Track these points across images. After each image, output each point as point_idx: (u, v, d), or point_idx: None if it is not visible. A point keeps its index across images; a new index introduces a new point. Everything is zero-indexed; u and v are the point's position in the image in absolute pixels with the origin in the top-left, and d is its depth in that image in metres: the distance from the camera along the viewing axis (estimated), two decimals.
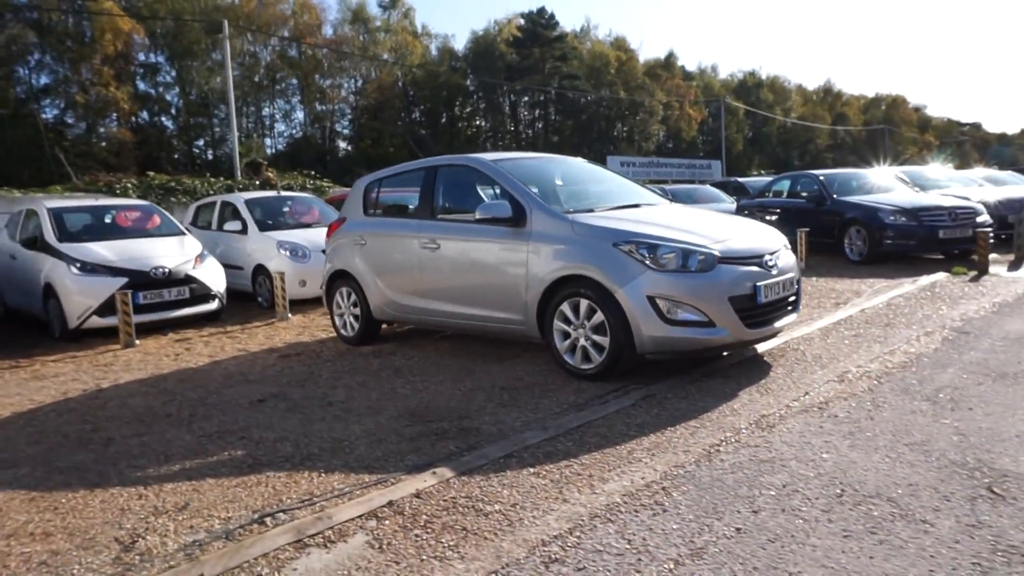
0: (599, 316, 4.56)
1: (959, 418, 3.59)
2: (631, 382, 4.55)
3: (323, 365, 5.81)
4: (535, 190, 5.21)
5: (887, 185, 11.97)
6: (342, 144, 48.63)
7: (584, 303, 4.64)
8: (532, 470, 3.20)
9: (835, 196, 11.30)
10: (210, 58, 39.59)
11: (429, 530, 2.71)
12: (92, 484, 3.45)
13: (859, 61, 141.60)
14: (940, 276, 8.82)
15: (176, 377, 5.72)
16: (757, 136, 66.78)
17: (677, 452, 3.33)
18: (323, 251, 9.13)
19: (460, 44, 53.95)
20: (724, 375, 4.67)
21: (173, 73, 41.02)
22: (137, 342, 7.22)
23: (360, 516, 2.85)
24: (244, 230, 9.72)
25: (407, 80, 47.62)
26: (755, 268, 4.63)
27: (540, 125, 55.99)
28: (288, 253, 9.06)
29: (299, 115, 48.65)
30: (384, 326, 6.68)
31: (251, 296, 9.64)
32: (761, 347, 5.27)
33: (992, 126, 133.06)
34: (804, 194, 12.09)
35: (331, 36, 45.39)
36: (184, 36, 38.11)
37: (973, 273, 8.85)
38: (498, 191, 5.43)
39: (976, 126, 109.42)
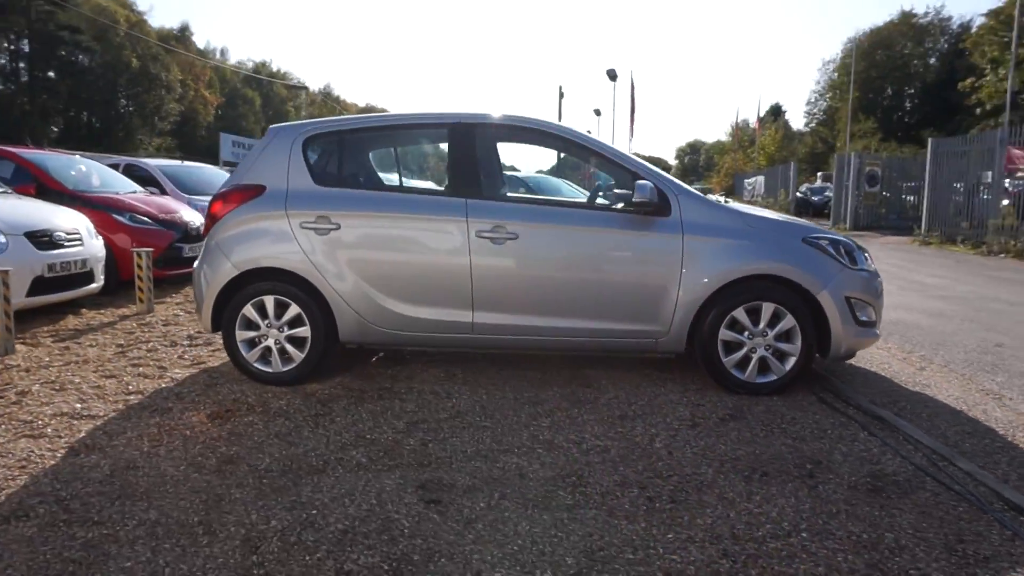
0: (788, 321, 3.99)
1: None
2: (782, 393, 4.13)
3: (329, 420, 3.56)
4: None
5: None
6: None
7: (767, 307, 3.99)
8: None
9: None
10: None
11: None
12: None
13: (355, 71, 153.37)
14: None
15: (105, 494, 2.75)
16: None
17: None
18: (43, 235, 5.66)
19: None
20: (862, 369, 4.62)
21: None
22: None
23: None
24: None
25: None
26: None
27: (13, 85, 43.81)
28: None
29: None
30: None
31: None
32: None
33: None
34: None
35: None
36: None
37: None
38: (594, 168, 4.22)
39: None
